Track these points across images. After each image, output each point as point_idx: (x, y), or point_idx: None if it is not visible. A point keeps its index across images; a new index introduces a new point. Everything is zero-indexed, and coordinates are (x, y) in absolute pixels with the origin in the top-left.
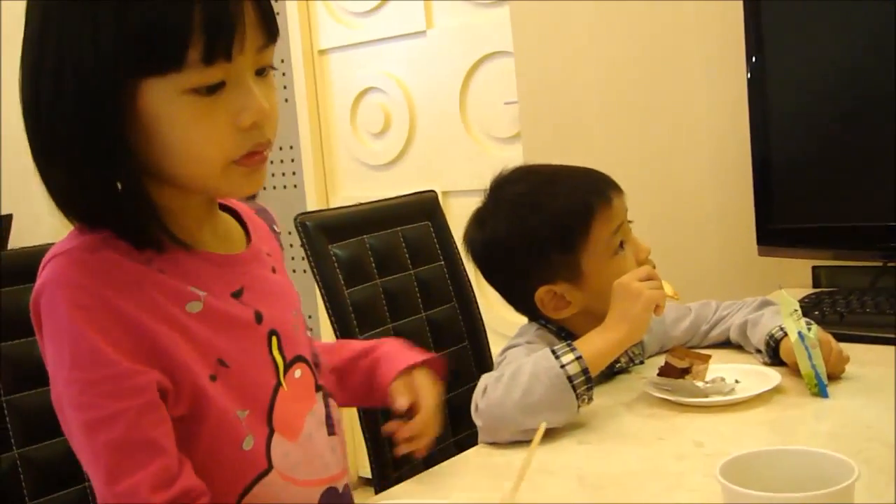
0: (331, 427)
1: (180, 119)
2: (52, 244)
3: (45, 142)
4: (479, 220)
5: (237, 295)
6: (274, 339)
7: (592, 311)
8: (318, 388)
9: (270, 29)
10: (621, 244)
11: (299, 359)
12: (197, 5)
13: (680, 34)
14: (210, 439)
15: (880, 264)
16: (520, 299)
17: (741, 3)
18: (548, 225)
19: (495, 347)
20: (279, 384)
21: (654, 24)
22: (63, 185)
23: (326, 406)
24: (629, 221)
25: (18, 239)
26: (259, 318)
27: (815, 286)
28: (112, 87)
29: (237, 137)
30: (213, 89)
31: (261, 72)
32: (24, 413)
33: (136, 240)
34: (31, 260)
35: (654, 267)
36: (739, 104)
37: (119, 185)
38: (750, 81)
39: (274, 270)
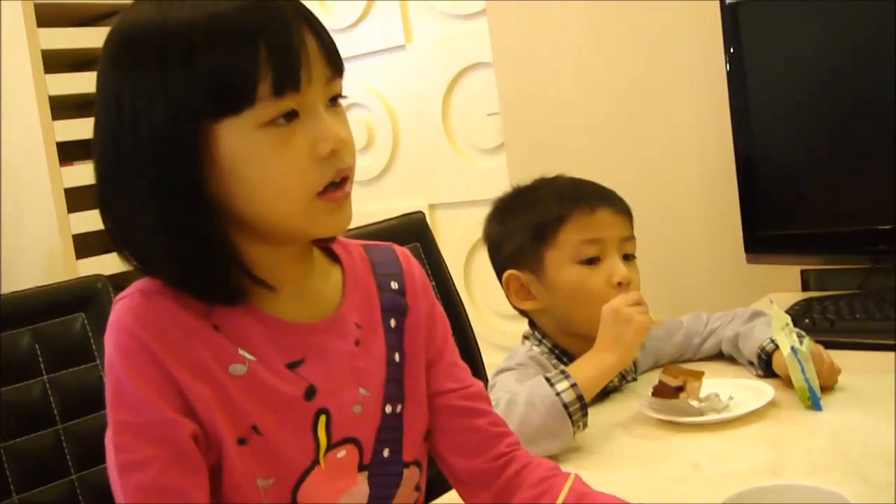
0: None
1: (259, 154)
2: (45, 286)
3: (125, 203)
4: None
5: (294, 365)
6: (322, 417)
7: (553, 314)
8: (364, 468)
9: (335, 62)
10: (594, 259)
11: (349, 440)
12: (261, 42)
13: (660, 43)
14: (227, 499)
15: (869, 266)
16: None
17: (719, 8)
18: (528, 213)
19: (487, 357)
20: (316, 461)
21: (634, 32)
22: (145, 245)
23: (375, 487)
24: (630, 255)
25: (5, 270)
26: (310, 393)
27: (803, 289)
28: (188, 135)
29: (317, 167)
30: (288, 118)
31: (333, 102)
32: (22, 458)
33: (218, 294)
34: (22, 304)
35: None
36: (722, 111)
37: (201, 238)
38: (730, 87)
39: (357, 343)
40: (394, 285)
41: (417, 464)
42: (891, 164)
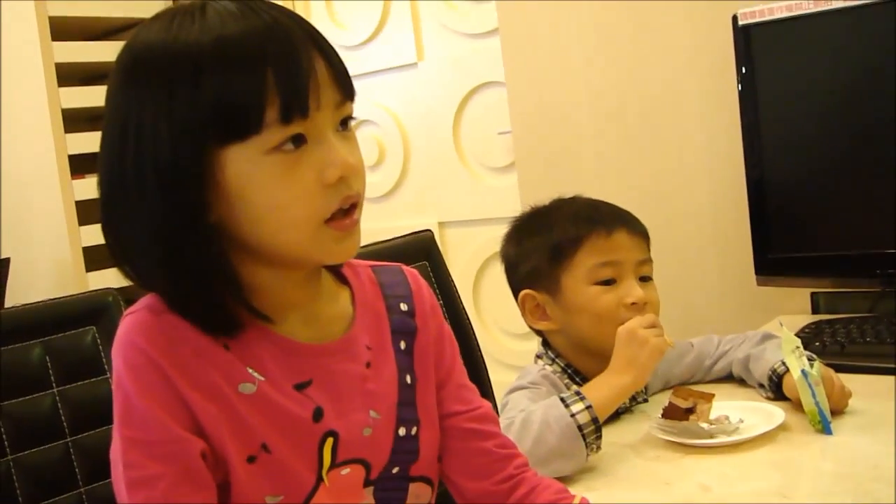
0: None
1: (266, 180)
2: (56, 299)
3: (126, 223)
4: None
5: (301, 387)
6: (329, 440)
7: (569, 334)
8: (370, 483)
9: (345, 85)
10: (609, 281)
11: (356, 461)
12: (269, 69)
13: (672, 64)
14: None
15: (879, 290)
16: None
17: (731, 30)
18: (545, 234)
19: (495, 376)
20: (320, 479)
21: (646, 53)
22: (145, 267)
23: (381, 501)
24: (647, 277)
25: (15, 282)
26: (318, 415)
27: (813, 312)
28: (191, 158)
29: (325, 194)
30: (296, 143)
31: (343, 125)
32: (31, 471)
33: (216, 324)
34: (32, 317)
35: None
36: (733, 132)
37: (200, 266)
38: (742, 110)
39: (368, 365)
40: (403, 307)
41: (427, 480)
42: None
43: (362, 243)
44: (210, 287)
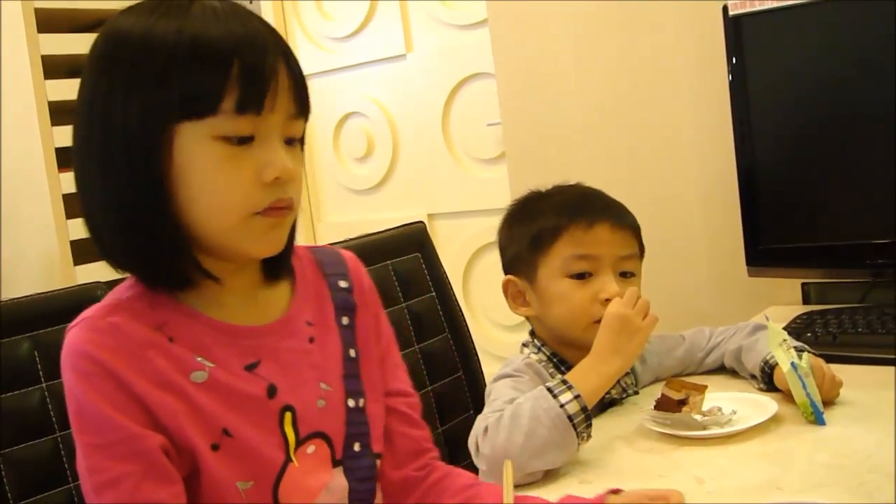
0: (359, 502)
1: (208, 164)
2: (44, 293)
3: (96, 186)
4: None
5: (251, 367)
6: (287, 414)
7: (545, 323)
8: (338, 462)
9: (302, 101)
10: (584, 274)
11: (317, 435)
12: (235, 61)
13: (663, 54)
14: None
15: (870, 280)
16: None
17: (722, 21)
18: (531, 221)
19: (488, 369)
20: (288, 460)
21: (636, 44)
22: (107, 230)
23: (353, 481)
24: (629, 272)
25: (2, 276)
26: (272, 392)
27: (804, 303)
28: (156, 132)
29: (259, 190)
30: (243, 141)
31: (290, 143)
32: (20, 466)
33: (168, 279)
34: (21, 311)
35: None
36: (724, 123)
37: (155, 226)
38: (732, 100)
39: (312, 340)
40: (342, 284)
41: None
42: (893, 177)
43: (351, 234)
44: (162, 243)
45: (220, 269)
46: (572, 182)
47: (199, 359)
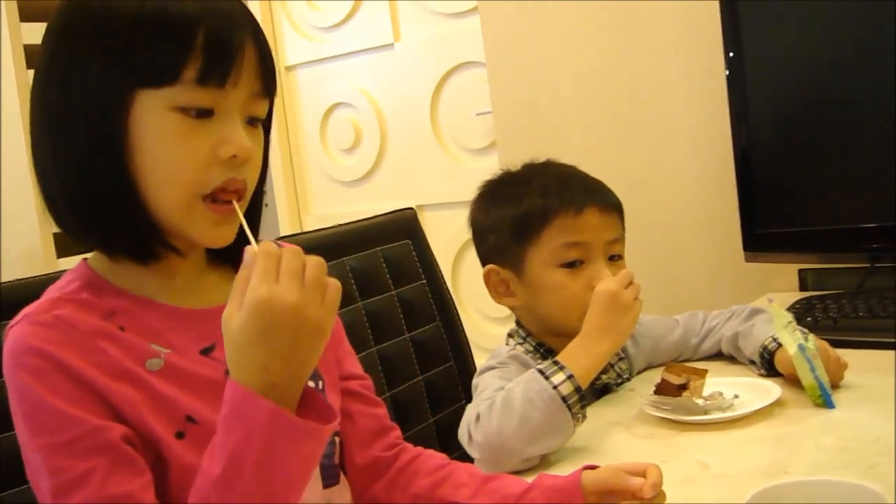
0: (330, 478)
1: (163, 135)
2: (24, 279)
3: (52, 153)
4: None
5: (207, 351)
6: None
7: (533, 313)
8: None
9: (267, 79)
10: (576, 262)
11: None
12: (202, 27)
13: (658, 39)
14: (176, 495)
15: (867, 265)
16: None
17: (717, 3)
18: (511, 206)
19: (478, 361)
20: None
21: (630, 28)
22: (64, 197)
23: (324, 458)
24: (617, 255)
25: None
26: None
27: (801, 289)
28: (116, 98)
29: (213, 168)
30: (202, 114)
31: (252, 122)
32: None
33: (130, 248)
34: (3, 297)
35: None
36: (720, 107)
37: (113, 193)
38: (729, 83)
39: None
40: None
41: (339, 436)
42: (890, 161)
43: (340, 222)
44: (123, 216)
45: (174, 245)
46: (541, 159)
47: (154, 346)
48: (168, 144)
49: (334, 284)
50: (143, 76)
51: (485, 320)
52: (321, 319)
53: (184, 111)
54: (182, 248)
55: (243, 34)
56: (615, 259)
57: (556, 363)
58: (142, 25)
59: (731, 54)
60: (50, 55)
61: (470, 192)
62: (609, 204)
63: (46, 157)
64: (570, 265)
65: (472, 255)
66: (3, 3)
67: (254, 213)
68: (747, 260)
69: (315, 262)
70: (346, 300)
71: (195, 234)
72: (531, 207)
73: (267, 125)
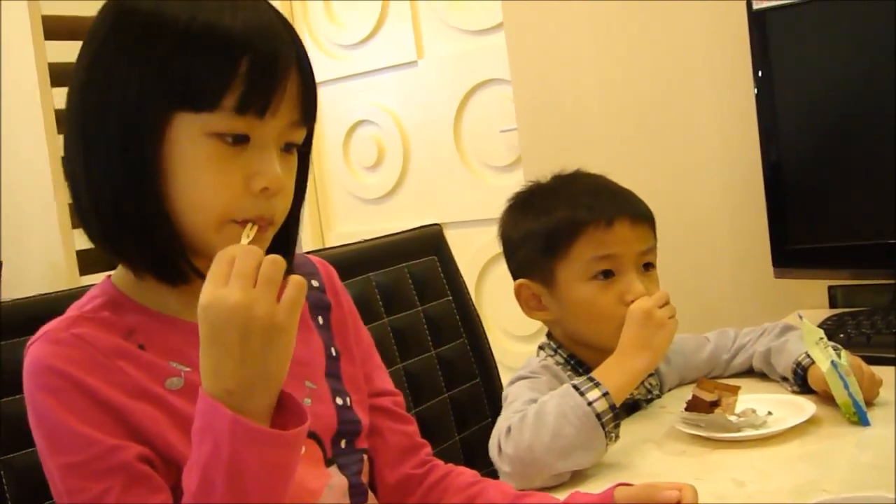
0: (358, 496)
1: (197, 160)
2: (48, 294)
3: (84, 167)
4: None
5: None
6: None
7: (565, 327)
8: (330, 461)
9: (308, 108)
10: (607, 273)
11: (307, 435)
12: (247, 56)
13: (685, 53)
14: None
15: None
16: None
17: (746, 18)
18: (541, 219)
19: (505, 381)
20: None
21: (657, 43)
22: (103, 222)
23: (351, 476)
24: (650, 264)
25: (8, 286)
26: None
27: (831, 306)
28: (154, 118)
29: (244, 198)
30: (238, 141)
31: (288, 148)
32: (22, 473)
33: (157, 267)
34: (26, 312)
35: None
36: (748, 121)
37: (145, 211)
38: (758, 98)
39: None
40: (314, 283)
41: (368, 453)
42: None
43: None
44: (150, 234)
45: (200, 268)
46: (570, 169)
47: (174, 364)
48: (201, 170)
49: (295, 281)
50: (182, 100)
51: (509, 339)
52: (272, 316)
53: (220, 137)
54: (206, 267)
55: (288, 63)
56: (648, 268)
57: (591, 379)
58: (186, 45)
59: (760, 66)
60: (91, 61)
61: (494, 209)
62: (640, 214)
63: (79, 170)
64: (602, 277)
65: (496, 273)
66: (29, 20)
67: (289, 237)
68: (776, 276)
69: (270, 259)
70: (371, 316)
71: None
72: (560, 221)
73: (306, 150)
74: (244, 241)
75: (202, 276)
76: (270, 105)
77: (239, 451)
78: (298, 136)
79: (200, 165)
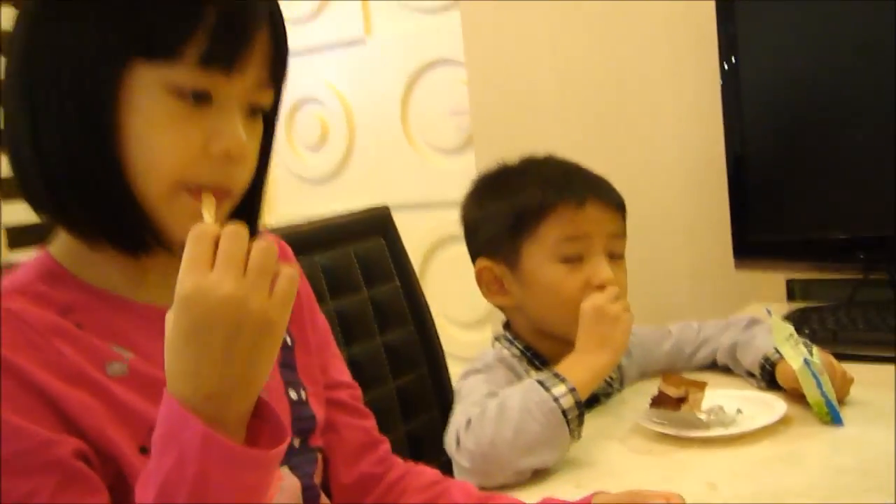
0: (310, 500)
1: (154, 117)
2: None
3: (30, 125)
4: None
5: None
6: None
7: (527, 313)
8: (282, 463)
9: (278, 69)
10: (575, 258)
11: None
12: (212, 8)
13: (647, 38)
14: None
15: (860, 277)
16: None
17: (713, 5)
18: (509, 198)
19: (452, 370)
20: None
21: (619, 27)
22: (39, 173)
23: (304, 477)
24: (617, 254)
25: None
26: None
27: (788, 299)
28: (107, 66)
29: (201, 162)
30: (199, 99)
31: (254, 113)
32: None
33: (118, 235)
34: None
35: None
36: (713, 112)
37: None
38: (723, 88)
39: None
40: None
41: (322, 451)
42: (884, 171)
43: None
44: (112, 205)
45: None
46: (540, 153)
47: (115, 348)
48: (157, 129)
49: (287, 273)
50: (139, 44)
51: (454, 326)
52: (266, 313)
53: (180, 94)
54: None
55: (260, 16)
56: (616, 258)
57: (556, 375)
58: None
59: (726, 56)
60: (32, 20)
61: (441, 193)
62: (612, 199)
63: (24, 135)
64: (569, 260)
65: (442, 258)
66: None
67: (253, 208)
68: (737, 267)
69: (262, 245)
70: (316, 299)
71: (175, 228)
72: (529, 199)
73: (273, 116)
74: (206, 216)
75: (165, 248)
76: (237, 60)
77: (208, 471)
78: (266, 99)
79: (156, 122)
